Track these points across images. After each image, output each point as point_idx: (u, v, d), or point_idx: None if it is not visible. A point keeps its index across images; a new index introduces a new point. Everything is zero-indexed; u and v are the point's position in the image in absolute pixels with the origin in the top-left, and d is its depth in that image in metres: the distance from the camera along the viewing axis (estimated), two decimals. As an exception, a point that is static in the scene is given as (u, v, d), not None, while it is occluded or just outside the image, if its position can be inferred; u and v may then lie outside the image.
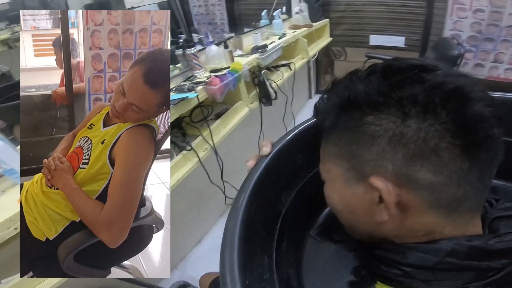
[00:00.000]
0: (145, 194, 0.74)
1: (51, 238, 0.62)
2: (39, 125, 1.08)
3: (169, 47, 1.15)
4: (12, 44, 1.04)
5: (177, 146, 1.14)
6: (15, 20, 1.00)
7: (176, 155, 1.10)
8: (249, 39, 1.64)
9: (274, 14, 1.91)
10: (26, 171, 0.70)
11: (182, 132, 1.21)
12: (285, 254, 0.44)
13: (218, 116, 1.27)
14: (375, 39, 2.15)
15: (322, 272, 0.45)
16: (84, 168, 0.63)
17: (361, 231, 0.34)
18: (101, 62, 1.08)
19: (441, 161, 0.24)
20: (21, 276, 0.62)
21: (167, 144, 0.96)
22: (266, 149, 0.42)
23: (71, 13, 1.04)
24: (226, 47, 1.29)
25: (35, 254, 0.63)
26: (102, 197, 0.62)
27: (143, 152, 0.63)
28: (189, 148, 1.11)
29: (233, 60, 1.31)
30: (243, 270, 0.29)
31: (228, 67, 1.22)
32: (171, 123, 1.03)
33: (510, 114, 0.45)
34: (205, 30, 2.05)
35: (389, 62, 0.27)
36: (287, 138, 0.44)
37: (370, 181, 0.27)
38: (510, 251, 0.28)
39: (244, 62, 1.32)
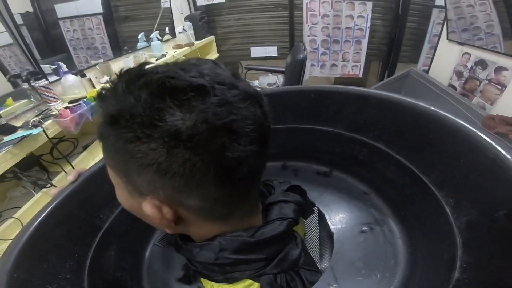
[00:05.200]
0: None
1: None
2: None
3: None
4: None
5: (37, 185, 1.06)
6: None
7: (36, 194, 1.02)
8: (122, 64, 1.63)
9: (151, 36, 1.94)
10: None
11: (43, 171, 1.13)
12: (114, 260, 0.49)
13: (86, 147, 1.22)
14: (255, 51, 2.37)
15: (160, 272, 0.50)
16: None
17: (162, 231, 0.36)
18: None
19: (205, 193, 0.26)
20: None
21: None
22: (70, 178, 0.45)
23: None
24: (82, 75, 1.26)
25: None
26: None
27: None
28: (49, 185, 1.04)
29: (94, 88, 1.29)
30: (15, 268, 0.35)
31: (85, 97, 1.19)
32: (19, 164, 0.96)
33: (301, 103, 0.57)
34: (84, 56, 1.95)
35: (166, 76, 0.23)
36: (101, 162, 0.49)
37: (143, 205, 0.27)
38: (271, 240, 0.31)
39: (110, 88, 1.30)
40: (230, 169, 0.25)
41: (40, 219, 0.41)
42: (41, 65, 1.22)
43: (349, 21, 2.05)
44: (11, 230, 0.93)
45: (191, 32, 2.18)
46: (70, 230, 0.45)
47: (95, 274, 0.44)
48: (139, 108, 0.22)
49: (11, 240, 0.92)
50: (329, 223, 0.48)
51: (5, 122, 1.03)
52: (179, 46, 2.07)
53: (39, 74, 1.14)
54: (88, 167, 0.50)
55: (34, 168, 1.14)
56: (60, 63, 1.22)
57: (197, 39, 2.23)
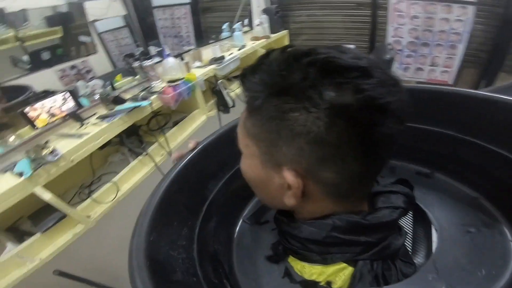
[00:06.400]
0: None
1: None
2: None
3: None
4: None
5: (134, 152, 1.20)
6: None
7: (132, 161, 1.16)
8: (209, 51, 1.74)
9: (234, 27, 2.03)
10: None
11: (139, 140, 1.27)
12: (214, 232, 0.52)
13: (176, 124, 1.34)
14: (330, 49, 2.31)
15: (248, 249, 0.52)
16: None
17: (271, 204, 0.38)
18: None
19: (345, 167, 0.27)
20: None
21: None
22: (190, 145, 0.50)
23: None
24: (182, 59, 1.38)
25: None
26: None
27: None
28: (145, 153, 1.17)
29: (189, 71, 1.40)
30: (151, 231, 0.37)
31: (183, 78, 1.30)
32: (126, 130, 1.10)
33: (422, 102, 0.55)
34: (171, 43, 2.13)
35: (331, 56, 0.25)
36: (215, 135, 0.53)
37: (283, 173, 0.28)
38: (382, 225, 0.32)
39: (201, 72, 1.41)
40: (379, 144, 0.27)
41: (167, 183, 0.44)
42: (149, 48, 1.36)
43: (444, 24, 1.86)
44: (107, 194, 1.06)
45: (267, 25, 2.22)
46: (187, 197, 0.48)
47: (201, 244, 0.46)
48: (308, 82, 0.24)
49: (106, 204, 1.05)
50: (431, 222, 0.47)
51: (118, 94, 1.18)
52: (256, 38, 2.12)
53: (148, 55, 1.28)
54: (204, 138, 0.53)
55: (133, 137, 1.30)
56: (165, 46, 1.35)
57: (272, 32, 2.26)
